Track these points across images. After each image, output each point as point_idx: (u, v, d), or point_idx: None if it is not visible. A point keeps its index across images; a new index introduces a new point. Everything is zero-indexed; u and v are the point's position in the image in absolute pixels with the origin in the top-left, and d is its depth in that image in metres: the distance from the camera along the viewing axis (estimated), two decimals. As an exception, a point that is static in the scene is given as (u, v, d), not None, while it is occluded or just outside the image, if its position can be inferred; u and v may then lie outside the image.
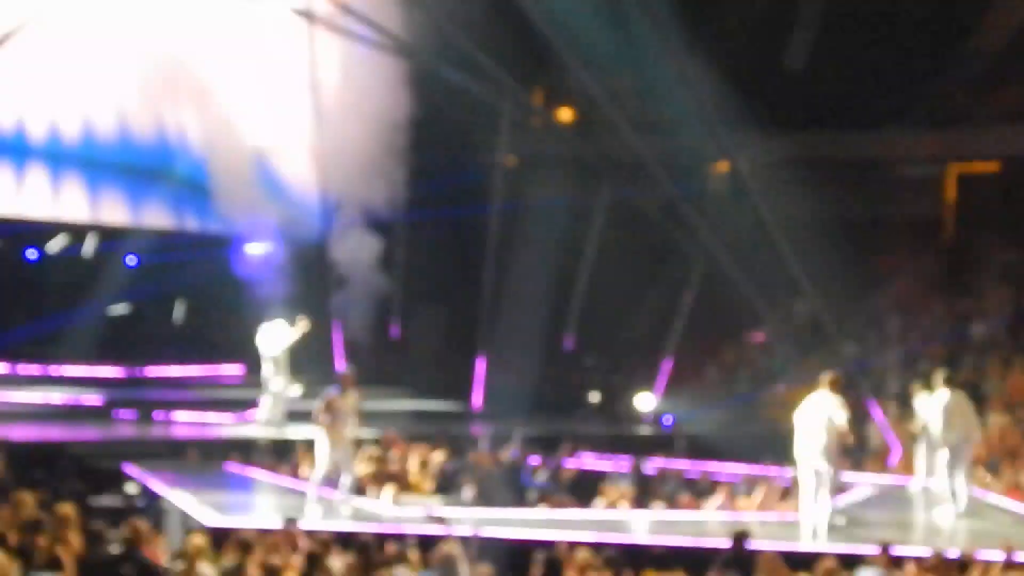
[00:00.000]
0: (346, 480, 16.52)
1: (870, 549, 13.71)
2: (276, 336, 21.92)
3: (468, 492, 17.89)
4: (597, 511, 17.70)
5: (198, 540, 12.03)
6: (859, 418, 20.74)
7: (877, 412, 22.16)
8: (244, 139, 23.96)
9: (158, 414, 22.55)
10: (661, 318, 26.57)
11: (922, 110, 28.32)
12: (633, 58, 24.69)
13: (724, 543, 13.96)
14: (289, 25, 23.51)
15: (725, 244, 23.72)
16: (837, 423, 15.41)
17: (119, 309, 26.95)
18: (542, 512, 17.09)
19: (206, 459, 19.37)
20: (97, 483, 17.99)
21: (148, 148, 24.39)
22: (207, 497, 16.25)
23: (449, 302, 28.65)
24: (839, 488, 16.45)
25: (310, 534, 13.53)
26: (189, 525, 15.34)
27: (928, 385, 18.13)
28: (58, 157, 23.92)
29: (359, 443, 18.01)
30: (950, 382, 17.12)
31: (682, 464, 20.23)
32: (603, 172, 26.75)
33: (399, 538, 14.03)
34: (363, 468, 17.89)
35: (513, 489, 18.36)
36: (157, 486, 17.35)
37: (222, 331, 26.36)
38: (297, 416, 21.10)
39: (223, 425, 22.02)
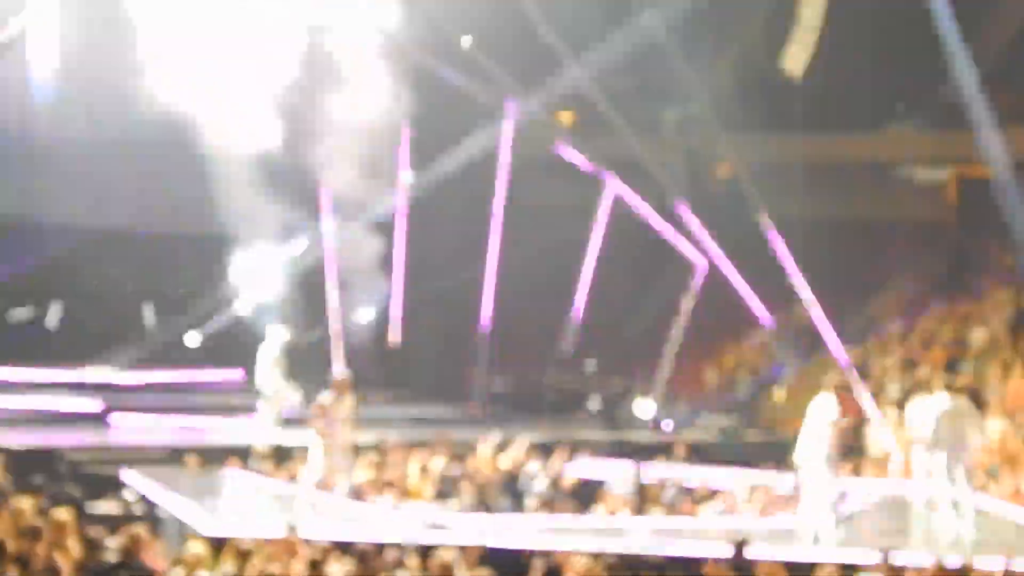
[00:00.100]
0: (343, 485, 16.47)
1: (871, 556, 13.67)
2: (271, 342, 21.85)
3: (467, 499, 17.85)
4: (597, 518, 17.64)
5: (196, 547, 12.00)
6: (859, 423, 20.70)
7: (877, 416, 22.10)
8: (244, 139, 23.94)
9: (156, 419, 22.51)
10: (661, 322, 26.52)
11: (924, 112, 28.27)
12: (633, 58, 24.68)
13: (725, 550, 13.92)
14: (289, 25, 23.49)
15: (725, 246, 23.70)
16: (838, 427, 15.37)
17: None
18: (541, 519, 17.04)
19: (205, 465, 19.32)
20: (95, 489, 17.93)
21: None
22: (205, 504, 16.20)
23: (449, 305, 28.59)
24: (840, 494, 16.40)
25: (309, 541, 13.49)
26: (187, 532, 15.28)
27: (926, 389, 18.07)
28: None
29: (357, 449, 17.97)
30: (951, 388, 17.06)
31: (682, 470, 20.17)
32: (603, 173, 26.71)
33: (398, 545, 13.99)
34: (362, 474, 17.84)
35: (512, 496, 18.31)
36: (155, 492, 17.30)
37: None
38: (295, 422, 21.05)
39: (222, 431, 21.96)
